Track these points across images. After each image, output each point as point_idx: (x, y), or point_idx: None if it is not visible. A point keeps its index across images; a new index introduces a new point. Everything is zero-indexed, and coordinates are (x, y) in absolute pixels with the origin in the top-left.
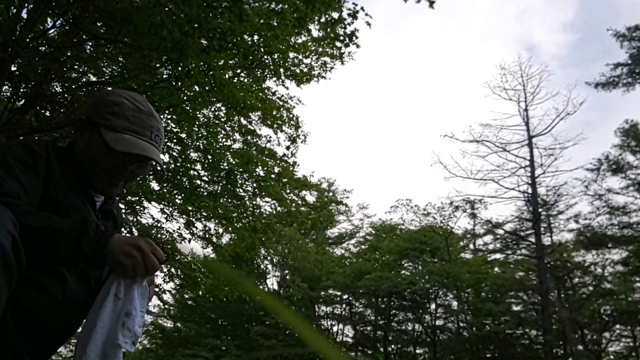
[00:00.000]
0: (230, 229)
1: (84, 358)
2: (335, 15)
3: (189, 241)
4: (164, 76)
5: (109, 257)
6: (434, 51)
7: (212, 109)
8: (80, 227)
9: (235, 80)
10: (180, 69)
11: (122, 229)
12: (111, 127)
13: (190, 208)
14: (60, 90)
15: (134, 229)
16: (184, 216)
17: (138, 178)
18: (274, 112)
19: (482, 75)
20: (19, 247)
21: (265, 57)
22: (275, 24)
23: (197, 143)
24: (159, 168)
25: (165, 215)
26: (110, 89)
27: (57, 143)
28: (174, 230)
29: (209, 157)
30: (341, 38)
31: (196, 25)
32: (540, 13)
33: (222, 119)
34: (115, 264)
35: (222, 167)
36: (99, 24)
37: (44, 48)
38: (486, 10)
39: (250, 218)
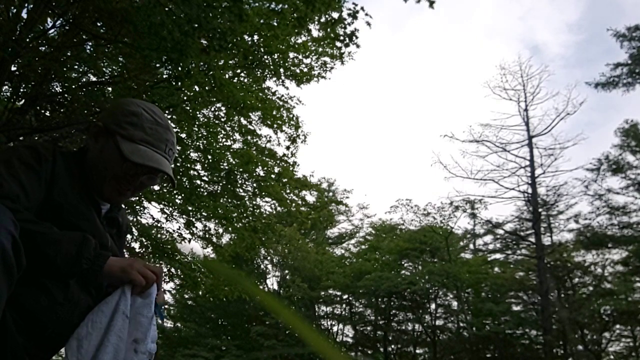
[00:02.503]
0: (230, 229)
1: None
2: (335, 15)
3: (189, 241)
4: (164, 76)
5: (108, 275)
6: (436, 51)
7: (212, 109)
8: (81, 244)
9: (235, 80)
10: (180, 69)
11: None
12: (128, 137)
13: (190, 208)
14: (60, 90)
15: (134, 229)
16: (184, 216)
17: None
18: (274, 112)
19: (486, 75)
20: (19, 247)
21: (265, 57)
22: (275, 24)
23: (197, 143)
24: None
25: (165, 215)
26: (129, 98)
27: (58, 144)
28: (174, 230)
29: (209, 157)
30: (341, 38)
31: (196, 25)
32: (545, 13)
33: (222, 119)
34: (115, 279)
35: (222, 167)
36: (99, 24)
37: (44, 48)
38: (490, 10)
39: (250, 218)
